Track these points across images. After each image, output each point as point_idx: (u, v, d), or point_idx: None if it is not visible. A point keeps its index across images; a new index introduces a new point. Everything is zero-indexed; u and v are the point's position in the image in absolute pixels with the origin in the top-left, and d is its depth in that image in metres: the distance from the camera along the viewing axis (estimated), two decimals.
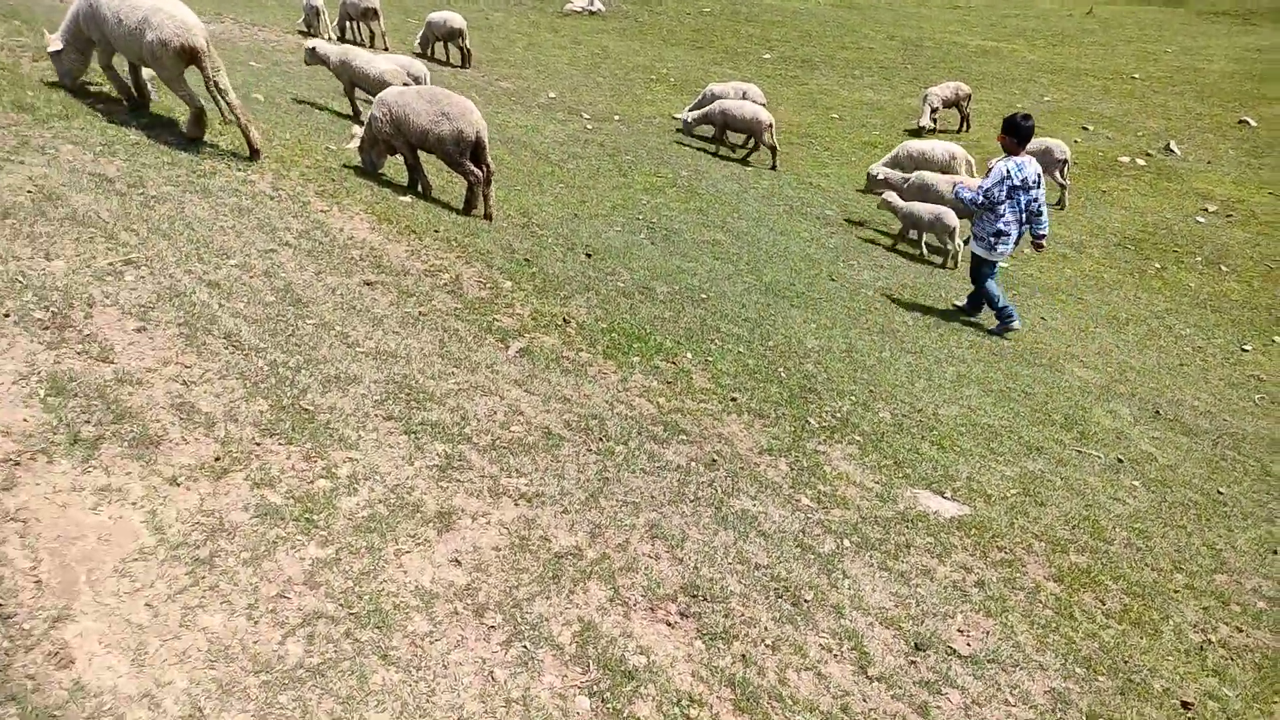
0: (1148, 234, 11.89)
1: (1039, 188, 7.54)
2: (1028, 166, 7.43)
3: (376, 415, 3.62)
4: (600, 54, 19.20)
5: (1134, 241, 11.65)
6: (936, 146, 11.30)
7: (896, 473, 4.66)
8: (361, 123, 8.85)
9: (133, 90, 6.68)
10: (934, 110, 15.08)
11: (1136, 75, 19.29)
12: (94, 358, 3.24)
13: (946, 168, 10.91)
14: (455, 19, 15.88)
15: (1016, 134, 7.34)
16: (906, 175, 10.67)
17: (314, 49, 10.15)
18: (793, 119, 15.98)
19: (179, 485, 2.79)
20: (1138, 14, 26.35)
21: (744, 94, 14.18)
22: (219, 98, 6.20)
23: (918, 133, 15.24)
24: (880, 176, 11.00)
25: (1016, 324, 7.90)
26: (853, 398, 5.51)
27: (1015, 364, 7.18)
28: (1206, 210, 12.66)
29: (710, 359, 5.54)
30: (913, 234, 10.14)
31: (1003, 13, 27.23)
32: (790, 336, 6.40)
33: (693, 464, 4.21)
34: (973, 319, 8.14)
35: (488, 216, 7.32)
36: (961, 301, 8.35)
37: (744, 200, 11.05)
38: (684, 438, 4.47)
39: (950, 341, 7.36)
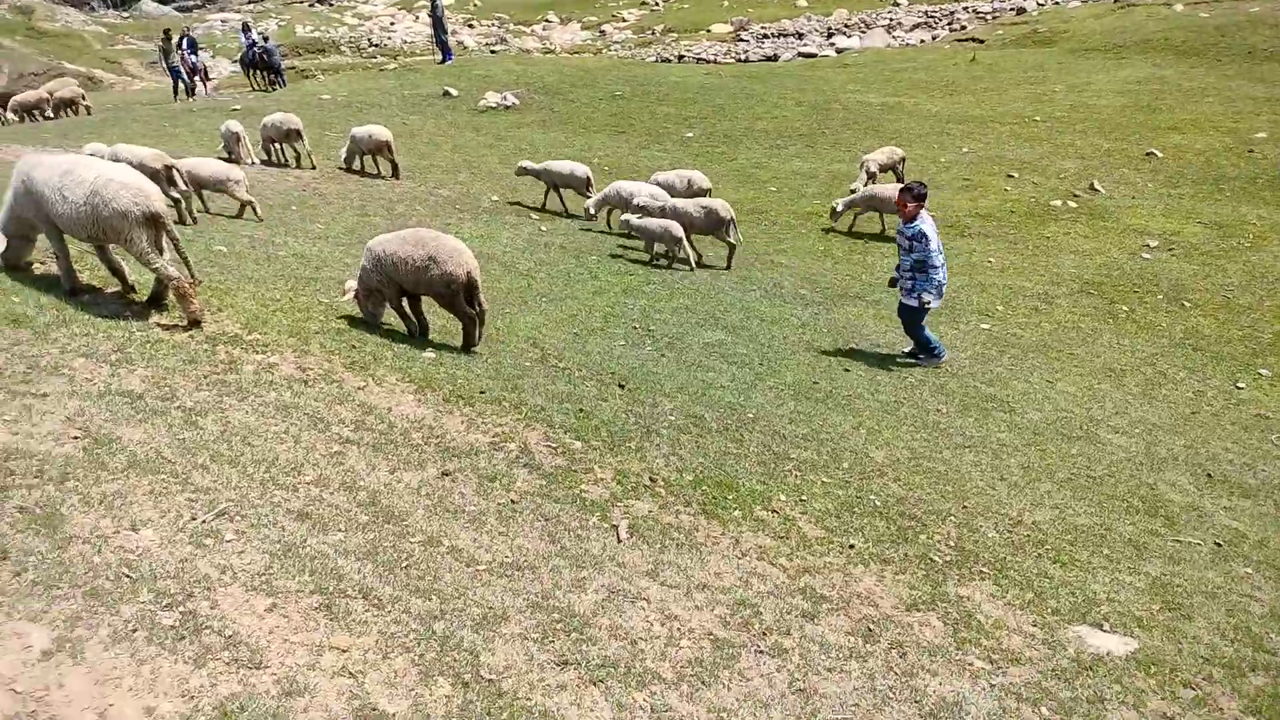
0: (1104, 277, 12.28)
1: None
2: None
3: (551, 664, 3.19)
4: (528, 148, 19.06)
5: (1095, 286, 12.01)
6: (641, 186, 13.03)
7: (1044, 608, 4.44)
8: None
9: (75, 278, 5.96)
10: (870, 175, 15.42)
11: (1038, 118, 20.30)
12: (246, 665, 2.74)
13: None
14: (380, 132, 15.53)
15: (920, 198, 8.52)
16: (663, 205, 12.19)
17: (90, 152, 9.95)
18: (732, 195, 16.09)
19: None
20: (1016, 57, 27.97)
21: (688, 181, 14.23)
22: (184, 263, 5.78)
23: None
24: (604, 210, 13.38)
25: (945, 356, 8.96)
26: (953, 518, 5.32)
27: (1058, 442, 7.15)
28: (1149, 246, 13.22)
29: (803, 498, 5.28)
30: (657, 247, 11.77)
31: (893, 68, 28.46)
32: (855, 451, 6.20)
33: (853, 640, 3.91)
34: (927, 360, 8.84)
35: (468, 348, 6.97)
36: (909, 347, 9.08)
37: (721, 291, 10.94)
38: (828, 605, 4.18)
39: (989, 425, 7.29)
